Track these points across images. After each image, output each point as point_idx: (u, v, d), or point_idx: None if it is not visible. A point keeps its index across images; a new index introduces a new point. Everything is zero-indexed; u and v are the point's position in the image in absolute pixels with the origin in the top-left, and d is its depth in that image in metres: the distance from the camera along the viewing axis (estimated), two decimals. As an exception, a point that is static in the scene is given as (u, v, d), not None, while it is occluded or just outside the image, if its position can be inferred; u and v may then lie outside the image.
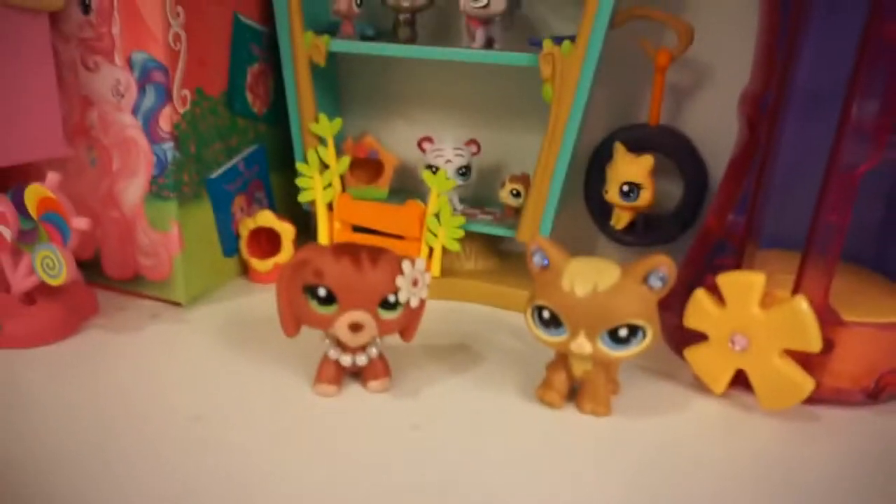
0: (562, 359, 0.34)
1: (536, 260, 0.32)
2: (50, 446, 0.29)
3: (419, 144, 0.47)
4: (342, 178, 0.48)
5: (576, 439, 0.32)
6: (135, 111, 0.39)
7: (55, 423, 0.31)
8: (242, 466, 0.29)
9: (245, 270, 0.49)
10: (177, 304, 0.43)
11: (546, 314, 0.31)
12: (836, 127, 0.31)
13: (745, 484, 0.29)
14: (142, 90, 0.38)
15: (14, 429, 0.31)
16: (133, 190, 0.41)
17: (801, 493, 0.29)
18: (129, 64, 0.38)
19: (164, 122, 0.39)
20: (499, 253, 0.50)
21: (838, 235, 0.32)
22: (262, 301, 0.45)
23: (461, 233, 0.45)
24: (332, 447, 0.30)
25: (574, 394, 0.34)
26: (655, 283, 0.30)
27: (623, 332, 0.30)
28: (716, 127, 0.43)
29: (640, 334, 0.31)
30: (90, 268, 0.44)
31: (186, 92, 0.40)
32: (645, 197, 0.43)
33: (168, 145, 0.39)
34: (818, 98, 0.35)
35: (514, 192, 0.45)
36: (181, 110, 0.40)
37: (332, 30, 0.46)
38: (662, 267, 0.30)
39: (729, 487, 0.29)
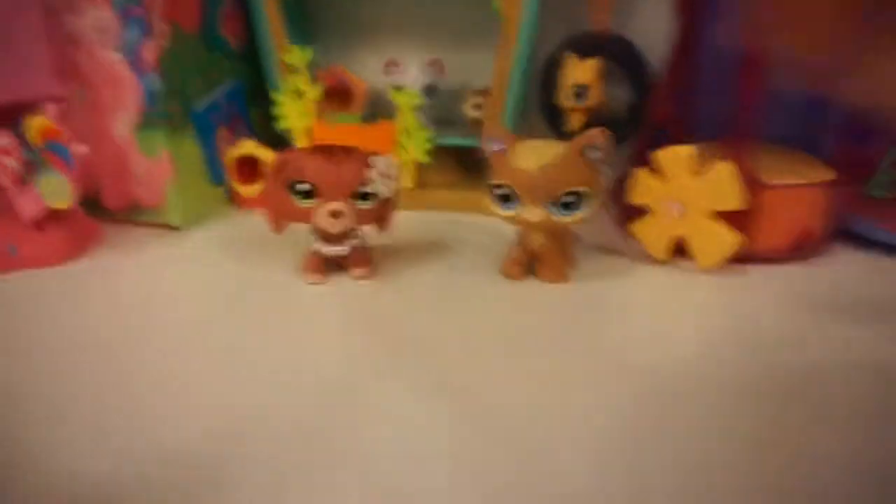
0: (520, 238, 0.39)
1: (490, 145, 0.36)
2: (71, 355, 0.32)
3: (386, 67, 0.50)
4: (317, 105, 0.51)
5: (538, 305, 0.37)
6: (119, 46, 0.42)
7: (74, 335, 0.34)
8: (243, 351, 0.33)
9: (233, 198, 0.52)
10: (173, 228, 0.47)
11: (501, 191, 0.35)
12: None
13: (690, 330, 0.34)
14: (123, 25, 0.42)
15: (37, 342, 0.33)
16: (123, 122, 0.44)
17: (738, 335, 0.33)
18: (110, 1, 0.41)
19: (148, 54, 0.42)
20: (467, 165, 0.54)
21: (755, 109, 0.36)
22: (252, 223, 0.49)
23: (429, 145, 0.49)
24: (324, 327, 0.35)
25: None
26: (592, 153, 0.34)
27: (569, 199, 0.34)
28: (660, 32, 0.47)
29: (582, 200, 0.35)
30: (91, 205, 0.47)
31: (165, 27, 0.43)
32: (594, 96, 0.47)
33: (154, 77, 0.43)
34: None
35: (476, 105, 0.49)
36: (162, 43, 0.43)
37: (295, -36, 0.49)
38: (597, 138, 0.34)
39: (675, 335, 0.34)
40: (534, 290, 0.38)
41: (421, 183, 0.51)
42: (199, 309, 0.36)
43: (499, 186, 0.35)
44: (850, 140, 0.42)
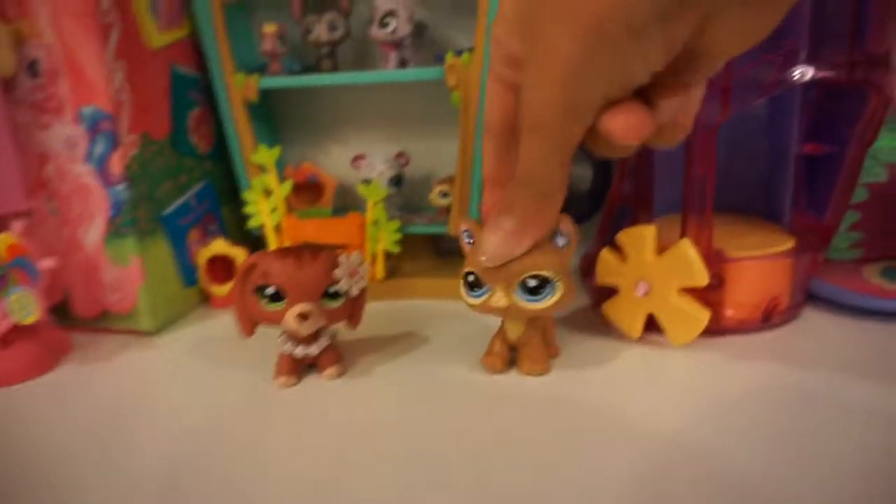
0: (500, 329, 0.39)
1: (465, 238, 0.36)
2: (43, 470, 0.32)
3: (353, 162, 0.52)
4: (287, 202, 0.52)
5: (518, 397, 0.36)
6: (87, 159, 0.43)
7: (47, 450, 0.34)
8: (221, 457, 0.32)
9: (206, 298, 0.52)
10: (145, 334, 0.47)
11: (471, 278, 0.35)
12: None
13: (670, 408, 0.33)
14: (92, 140, 0.43)
15: (9, 460, 0.33)
16: (93, 232, 0.45)
17: (718, 408, 0.33)
18: (79, 118, 0.42)
19: (116, 166, 0.43)
20: (437, 252, 0.55)
21: (709, 184, 0.38)
22: (224, 323, 0.49)
23: (399, 235, 0.49)
24: (295, 431, 0.34)
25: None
26: (559, 240, 0.34)
27: (532, 283, 0.34)
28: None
29: (549, 286, 0.34)
30: (60, 313, 0.47)
31: (134, 137, 0.44)
32: (555, 180, 0.48)
33: (121, 186, 0.43)
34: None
35: (443, 193, 0.50)
36: (130, 154, 0.44)
37: (261, 69, 0.51)
38: (562, 224, 0.34)
39: (655, 413, 0.33)
40: (513, 383, 0.37)
41: (393, 272, 0.52)
42: (171, 417, 0.36)
43: (468, 274, 0.36)
44: (807, 207, 0.44)
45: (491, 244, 0.33)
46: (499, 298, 0.34)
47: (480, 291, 0.35)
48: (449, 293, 0.50)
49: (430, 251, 0.54)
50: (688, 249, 0.37)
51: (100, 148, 0.43)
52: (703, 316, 0.37)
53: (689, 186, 0.38)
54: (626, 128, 0.26)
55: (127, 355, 0.44)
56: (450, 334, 0.44)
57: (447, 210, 0.51)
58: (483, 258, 0.33)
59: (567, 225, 0.34)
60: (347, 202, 0.57)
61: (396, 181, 0.51)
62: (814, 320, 0.42)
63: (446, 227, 0.49)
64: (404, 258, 0.52)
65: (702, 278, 0.37)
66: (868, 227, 0.46)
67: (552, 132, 0.28)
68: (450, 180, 0.50)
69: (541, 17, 0.25)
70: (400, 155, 0.52)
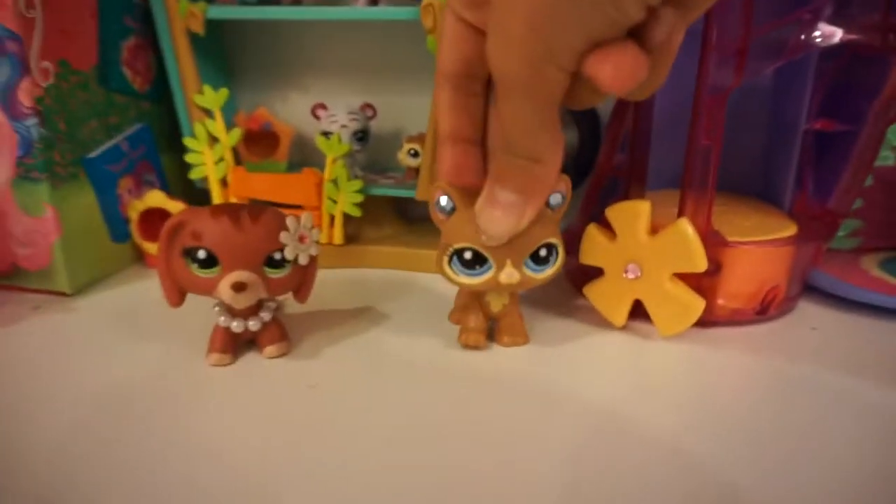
0: (473, 302, 0.34)
1: (443, 204, 0.31)
2: None
3: (313, 112, 0.46)
4: (237, 152, 0.46)
5: (490, 374, 0.32)
6: (-11, 87, 0.36)
7: None
8: (133, 446, 0.27)
9: (141, 256, 0.46)
10: (62, 295, 0.41)
11: (468, 255, 0.30)
12: (700, 53, 0.32)
13: (653, 402, 0.30)
14: (-6, 63, 0.36)
15: None
16: (-2, 174, 0.38)
17: (705, 403, 0.29)
18: (-22, 35, 0.35)
19: (24, 97, 0.36)
20: (402, 217, 0.50)
21: (713, 158, 0.33)
22: (157, 285, 0.43)
23: (360, 197, 0.44)
24: (227, 416, 0.29)
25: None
26: (555, 201, 0.31)
27: (543, 252, 0.31)
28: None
29: (554, 253, 0.31)
30: (-38, 265, 0.40)
31: (48, 64, 0.37)
32: (538, 144, 0.43)
33: (32, 122, 0.37)
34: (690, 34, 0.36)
35: (412, 151, 0.45)
36: (43, 84, 0.37)
37: (209, -3, 0.44)
38: (561, 186, 0.30)
39: (637, 408, 0.29)
40: (485, 362, 0.33)
41: (352, 238, 0.46)
42: (76, 390, 0.30)
43: (464, 250, 0.31)
44: (811, 192, 0.40)
45: (491, 221, 0.28)
46: (511, 274, 0.30)
47: (482, 269, 0.30)
48: (415, 264, 0.45)
49: (395, 216, 0.49)
50: (687, 230, 0.32)
51: (3, 74, 0.36)
52: (698, 305, 0.33)
53: (690, 159, 0.33)
54: (616, 73, 0.22)
55: (36, 318, 0.38)
56: (414, 308, 0.39)
57: (416, 171, 0.46)
58: (484, 237, 0.29)
59: (563, 184, 0.31)
60: (305, 157, 0.51)
61: (361, 136, 0.45)
62: (811, 313, 0.39)
63: (415, 190, 0.44)
64: (365, 222, 0.47)
65: (700, 263, 0.32)
66: (870, 215, 0.43)
67: (530, 87, 0.24)
68: (421, 138, 0.45)
69: None
70: (366, 106, 0.46)
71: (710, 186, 0.34)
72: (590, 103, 0.26)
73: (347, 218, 0.45)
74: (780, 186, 0.41)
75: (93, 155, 0.41)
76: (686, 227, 0.32)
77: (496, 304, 0.34)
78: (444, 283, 0.41)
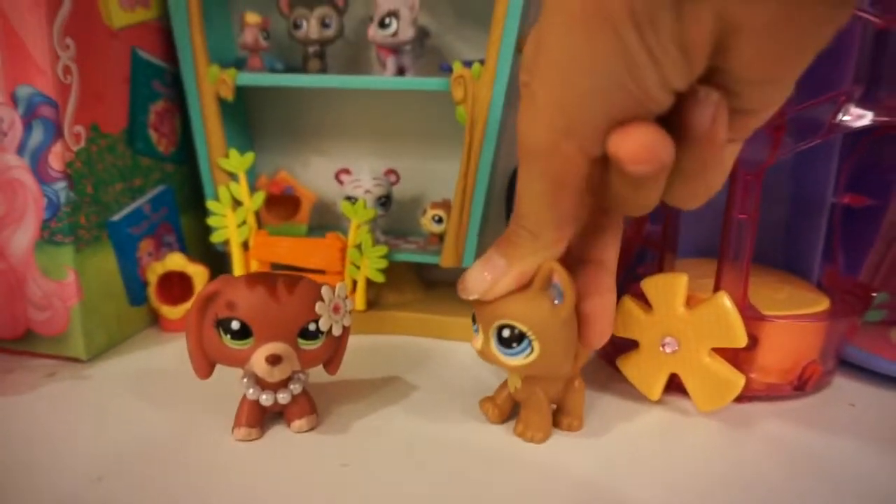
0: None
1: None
2: None
3: (337, 177, 0.46)
4: (258, 216, 0.46)
5: (512, 462, 0.31)
6: (20, 150, 0.36)
7: None
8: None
9: (156, 319, 0.45)
10: (77, 361, 0.40)
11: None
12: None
13: (690, 488, 0.28)
14: (28, 127, 0.36)
15: None
16: (21, 237, 0.37)
17: (744, 489, 0.28)
18: (13, 99, 0.35)
19: (56, 161, 0.36)
20: (424, 283, 0.49)
21: (750, 232, 0.33)
22: (175, 350, 0.42)
23: (384, 262, 0.44)
24: (256, 494, 0.28)
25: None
26: (554, 292, 0.28)
27: (506, 333, 0.28)
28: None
29: (525, 343, 0.28)
30: (-26, 328, 0.39)
31: (80, 128, 0.37)
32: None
33: (60, 185, 0.36)
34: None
35: (436, 217, 0.45)
36: (75, 148, 0.37)
37: (238, 64, 0.45)
38: (555, 275, 0.27)
39: (672, 494, 0.28)
40: (510, 446, 0.32)
41: (372, 303, 0.46)
42: (96, 471, 0.28)
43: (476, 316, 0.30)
44: (840, 265, 0.40)
45: (471, 272, 0.28)
46: (477, 339, 0.30)
47: (475, 326, 0.30)
48: (437, 330, 0.44)
49: (416, 281, 0.48)
50: (726, 305, 0.32)
51: (37, 138, 0.36)
52: (739, 381, 0.33)
53: (726, 233, 0.34)
54: (636, 149, 0.21)
55: (49, 387, 0.37)
56: (439, 378, 0.38)
57: (439, 237, 0.46)
58: (459, 286, 0.29)
59: (560, 277, 0.27)
60: (323, 221, 0.51)
61: (384, 201, 0.45)
62: (847, 388, 0.38)
63: (438, 257, 0.44)
64: (386, 287, 0.46)
65: (741, 339, 0.32)
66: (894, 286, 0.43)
67: (545, 160, 0.24)
68: (445, 205, 0.45)
69: (542, 20, 0.22)
70: (390, 172, 0.46)
71: (746, 260, 0.34)
72: (632, 205, 0.25)
73: (368, 283, 0.45)
74: (807, 259, 0.41)
75: (116, 218, 0.41)
76: (726, 301, 0.32)
77: (511, 384, 0.33)
78: (466, 352, 0.40)
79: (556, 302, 0.28)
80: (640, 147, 0.21)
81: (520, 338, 0.28)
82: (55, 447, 0.31)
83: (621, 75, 0.20)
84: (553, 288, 0.28)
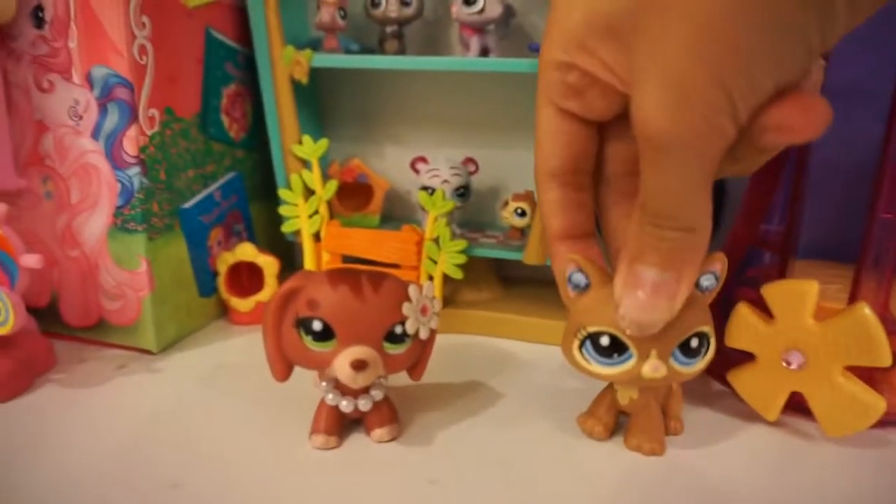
0: (608, 389, 0.30)
1: (576, 279, 0.27)
2: None
3: (412, 165, 0.43)
4: (329, 205, 0.44)
5: (620, 480, 0.27)
6: (95, 134, 0.35)
7: (8, 494, 0.26)
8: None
9: (224, 311, 0.44)
10: (147, 352, 0.38)
11: (605, 340, 0.26)
12: (888, 116, 0.28)
13: None
14: (103, 110, 0.34)
15: None
16: (94, 224, 0.36)
17: None
18: (89, 81, 0.34)
19: (130, 145, 0.35)
20: (502, 279, 0.46)
21: (896, 234, 0.29)
22: (245, 345, 0.40)
23: (463, 258, 0.41)
24: (335, 511, 0.25)
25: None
26: (708, 283, 0.27)
27: (694, 343, 0.26)
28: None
29: (706, 343, 0.27)
30: (46, 316, 0.38)
31: (155, 112, 0.36)
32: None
33: (134, 171, 0.35)
34: (850, 90, 0.32)
35: (519, 210, 0.42)
36: (149, 132, 0.35)
37: (314, 46, 0.42)
38: (717, 265, 0.26)
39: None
40: (615, 461, 0.29)
41: (448, 301, 0.43)
42: (166, 474, 0.27)
43: (600, 335, 0.26)
44: None
45: (637, 307, 0.24)
46: (656, 367, 0.26)
47: (621, 358, 0.26)
48: (518, 331, 0.41)
49: (494, 277, 0.45)
50: (869, 318, 0.28)
51: (112, 121, 0.34)
52: (880, 405, 0.28)
53: (869, 234, 0.29)
54: (810, 117, 0.20)
55: (120, 379, 0.36)
56: (523, 385, 0.36)
57: (521, 232, 0.42)
58: (626, 326, 0.25)
59: (720, 266, 0.27)
60: (396, 212, 0.48)
61: (462, 192, 0.42)
62: None
63: (520, 252, 0.41)
64: (463, 284, 0.43)
65: (885, 357, 0.28)
66: None
67: (698, 147, 0.20)
68: (529, 197, 0.42)
69: None
70: (469, 161, 0.43)
71: (890, 266, 0.29)
72: (748, 168, 0.24)
73: (445, 279, 0.42)
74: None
75: (188, 205, 0.39)
76: (867, 313, 0.28)
77: (623, 397, 0.30)
78: (549, 357, 0.37)
79: (706, 288, 0.27)
80: (813, 112, 0.19)
81: (705, 341, 0.27)
82: (121, 446, 0.29)
83: (809, 27, 0.18)
84: (705, 276, 0.26)
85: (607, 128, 0.27)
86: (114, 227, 0.36)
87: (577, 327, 0.27)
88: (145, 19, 0.34)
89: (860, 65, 0.32)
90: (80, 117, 0.35)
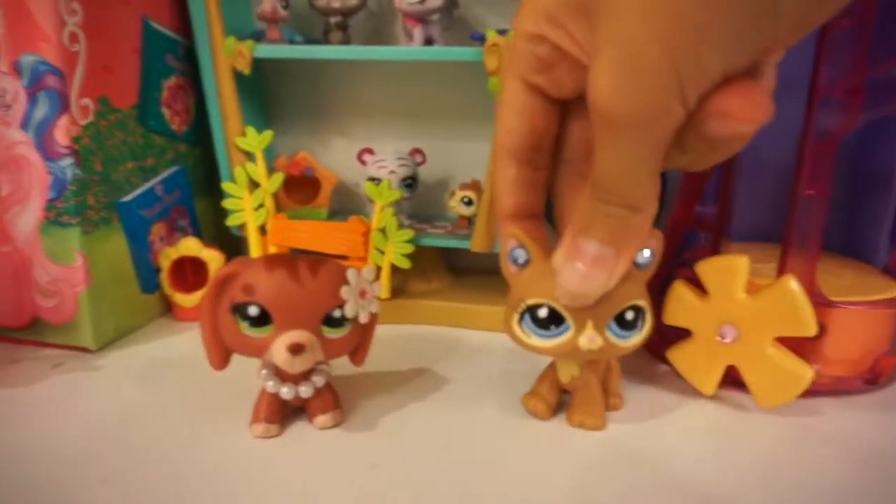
0: (549, 368, 0.31)
1: (516, 255, 0.28)
2: None
3: (359, 157, 0.43)
4: (276, 198, 0.43)
5: (564, 457, 0.28)
6: (24, 124, 0.34)
7: None
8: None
9: (169, 308, 0.43)
10: (85, 350, 0.37)
11: (543, 312, 0.27)
12: (808, 96, 0.29)
13: (750, 493, 0.25)
14: (32, 99, 0.33)
15: None
16: (26, 218, 0.35)
17: (811, 496, 0.25)
18: (17, 69, 0.33)
19: (62, 135, 0.34)
20: (452, 269, 0.46)
21: (819, 209, 0.30)
22: (188, 340, 0.39)
23: (410, 248, 0.41)
24: (276, 497, 0.25)
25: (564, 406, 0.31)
26: (644, 258, 0.27)
27: (630, 316, 0.27)
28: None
29: (641, 317, 0.27)
30: (-21, 316, 0.37)
31: (88, 101, 0.35)
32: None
33: (67, 162, 0.34)
34: (780, 78, 0.33)
35: (466, 200, 0.42)
36: (82, 122, 0.34)
37: (256, 37, 0.42)
38: (652, 241, 0.27)
39: (731, 495, 0.25)
40: (556, 435, 0.29)
41: (397, 291, 0.43)
42: (103, 470, 0.26)
43: (538, 307, 0.27)
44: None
45: (575, 277, 0.25)
46: (592, 338, 0.26)
47: (558, 330, 0.27)
48: (467, 320, 0.42)
49: (443, 267, 0.45)
50: (795, 290, 0.29)
51: (41, 111, 0.33)
52: (807, 374, 0.29)
53: (793, 211, 0.30)
54: (750, 106, 0.20)
55: (56, 378, 0.34)
56: (469, 370, 0.36)
57: (468, 221, 0.43)
58: (563, 297, 0.26)
59: (654, 240, 0.27)
60: (344, 205, 0.48)
61: (409, 183, 0.43)
62: (919, 384, 0.35)
63: (467, 241, 0.41)
64: (412, 274, 0.44)
65: (811, 327, 0.29)
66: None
67: (648, 127, 0.21)
68: (475, 186, 0.42)
69: None
70: (416, 151, 0.44)
71: (815, 242, 0.30)
72: (698, 161, 0.24)
73: (393, 270, 0.42)
74: (870, 241, 0.37)
75: (127, 199, 0.39)
76: (794, 286, 0.29)
77: (564, 374, 0.30)
78: (498, 343, 0.37)
79: (643, 265, 0.27)
80: (756, 104, 0.20)
81: (640, 315, 0.27)
82: (59, 445, 0.28)
83: (764, 6, 0.18)
84: (642, 252, 0.27)
85: (570, 109, 0.27)
86: (46, 221, 0.35)
87: (516, 301, 0.27)
88: (76, 6, 0.33)
89: (790, 53, 0.33)
90: (9, 107, 0.34)
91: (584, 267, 0.24)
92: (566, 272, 0.25)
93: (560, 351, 0.27)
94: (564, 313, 0.26)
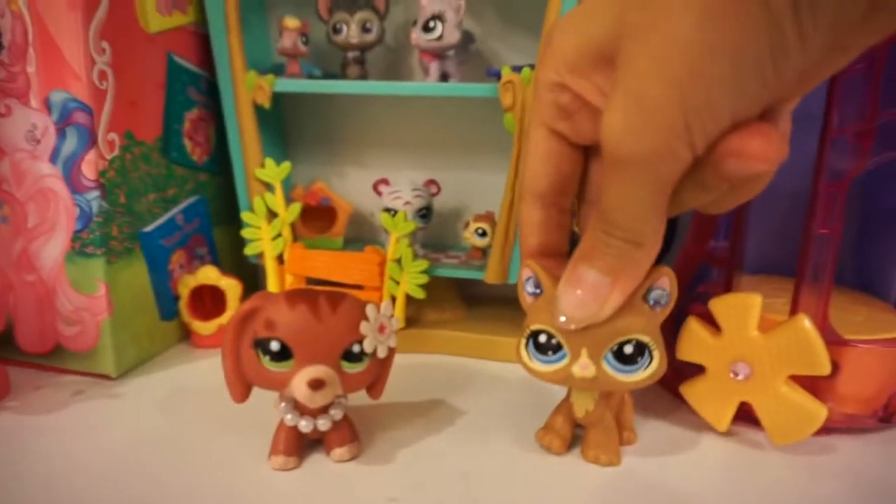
0: (564, 401, 0.31)
1: (529, 288, 0.28)
2: None
3: (375, 187, 0.44)
4: (293, 228, 0.44)
5: (578, 492, 0.28)
6: (53, 158, 0.35)
7: None
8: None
9: (187, 335, 0.44)
10: (106, 378, 0.38)
11: (542, 338, 0.27)
12: (819, 137, 0.30)
13: None
14: (61, 134, 0.34)
15: None
16: (52, 248, 0.36)
17: None
18: (47, 105, 0.34)
19: (88, 169, 0.35)
20: (465, 299, 0.47)
21: (832, 248, 0.30)
22: (207, 368, 0.40)
23: (425, 278, 0.41)
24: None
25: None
26: (656, 297, 0.27)
27: (629, 349, 0.27)
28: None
29: (647, 355, 0.27)
30: (1, 343, 0.38)
31: (114, 136, 0.36)
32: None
33: (93, 195, 0.35)
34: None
35: (480, 231, 0.42)
36: (108, 156, 0.35)
37: (276, 71, 0.43)
38: (664, 280, 0.27)
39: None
40: (570, 471, 0.29)
41: (411, 321, 0.44)
42: (119, 495, 0.27)
43: (539, 333, 0.28)
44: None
45: (570, 301, 0.25)
46: (585, 366, 0.27)
47: (556, 356, 0.27)
48: (480, 350, 0.42)
49: (457, 298, 0.46)
50: (808, 329, 0.29)
51: (70, 145, 0.34)
52: (821, 412, 0.30)
53: (806, 249, 0.31)
54: (765, 147, 0.21)
55: (78, 405, 0.35)
56: (485, 402, 0.36)
57: (482, 252, 0.43)
58: (561, 318, 0.26)
59: (667, 281, 0.27)
60: (360, 234, 0.49)
61: (424, 214, 0.43)
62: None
63: (482, 272, 0.41)
64: (426, 304, 0.44)
65: (824, 366, 0.29)
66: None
67: (653, 166, 0.21)
68: (489, 217, 0.43)
69: (650, 11, 0.20)
70: (430, 182, 0.44)
71: (828, 280, 0.31)
72: (721, 202, 0.24)
73: (408, 300, 0.42)
74: (883, 277, 0.38)
75: (149, 228, 0.39)
76: (807, 325, 0.29)
77: (579, 408, 0.30)
78: (512, 375, 0.38)
79: (655, 305, 0.27)
80: (770, 143, 0.20)
81: (642, 350, 0.27)
82: (79, 471, 0.29)
83: (763, 57, 0.19)
84: (654, 290, 0.27)
85: (593, 153, 0.28)
86: (72, 251, 0.36)
87: (525, 327, 0.28)
88: (105, 45, 0.34)
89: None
90: (38, 141, 0.35)
91: (579, 293, 0.25)
92: (562, 297, 0.26)
93: (556, 377, 0.28)
94: (562, 340, 0.27)
